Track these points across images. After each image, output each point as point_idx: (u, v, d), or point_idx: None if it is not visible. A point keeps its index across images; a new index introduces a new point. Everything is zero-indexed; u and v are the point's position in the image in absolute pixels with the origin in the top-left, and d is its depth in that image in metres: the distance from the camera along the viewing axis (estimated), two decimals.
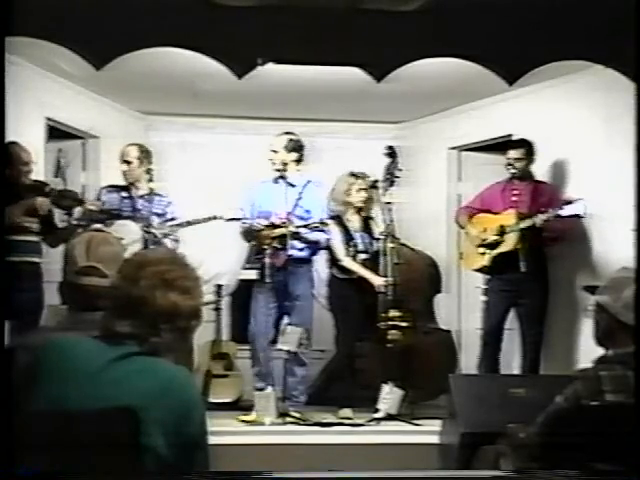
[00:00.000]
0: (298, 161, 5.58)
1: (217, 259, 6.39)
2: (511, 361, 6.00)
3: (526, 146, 5.71)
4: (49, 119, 6.00)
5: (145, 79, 5.99)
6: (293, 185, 5.50)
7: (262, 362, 5.52)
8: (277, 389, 5.42)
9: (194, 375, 5.42)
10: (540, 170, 5.84)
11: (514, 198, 5.70)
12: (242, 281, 6.29)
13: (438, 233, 6.87)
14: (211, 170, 6.98)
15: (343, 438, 4.93)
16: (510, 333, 5.86)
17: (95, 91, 6.43)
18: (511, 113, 6.35)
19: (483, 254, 5.71)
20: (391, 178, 5.55)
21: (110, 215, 5.37)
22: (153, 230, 5.34)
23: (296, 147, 5.55)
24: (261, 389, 5.41)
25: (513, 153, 5.71)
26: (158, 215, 5.47)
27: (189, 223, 5.47)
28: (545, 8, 4.14)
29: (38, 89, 5.74)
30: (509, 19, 4.22)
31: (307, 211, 5.52)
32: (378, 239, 5.63)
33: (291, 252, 5.40)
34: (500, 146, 6.21)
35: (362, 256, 5.72)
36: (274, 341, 5.47)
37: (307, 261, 5.58)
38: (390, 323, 5.39)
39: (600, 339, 2.80)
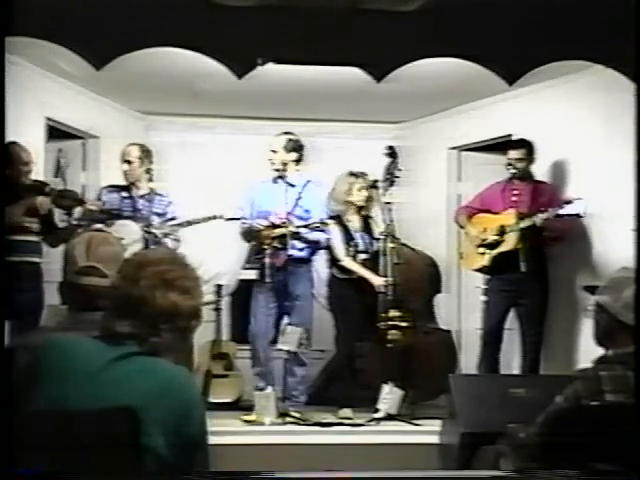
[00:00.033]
0: (297, 161, 5.58)
1: (217, 259, 6.39)
2: (511, 361, 6.00)
3: (526, 146, 5.71)
4: (49, 119, 6.00)
5: (145, 79, 5.99)
6: (293, 185, 5.50)
7: (263, 362, 5.53)
8: (277, 389, 5.42)
9: (194, 375, 5.42)
10: (540, 170, 5.84)
11: (514, 198, 5.70)
12: (242, 281, 6.30)
13: (438, 233, 6.86)
14: (211, 170, 6.98)
15: (343, 438, 4.93)
16: (510, 333, 5.86)
17: (95, 91, 6.43)
18: (511, 113, 6.35)
19: (483, 254, 5.71)
20: (391, 178, 5.55)
21: (110, 215, 5.38)
22: (154, 230, 5.34)
23: (295, 147, 5.56)
24: (261, 389, 5.41)
25: (514, 153, 5.71)
26: (158, 215, 5.48)
27: (189, 223, 5.47)
28: (545, 8, 4.14)
29: (38, 89, 5.74)
30: (509, 19, 4.22)
31: (307, 211, 5.53)
32: (378, 239, 5.63)
33: (291, 252, 5.40)
34: (500, 146, 6.21)
35: (362, 256, 5.71)
36: (274, 341, 5.47)
37: (307, 261, 5.59)
38: (390, 323, 5.39)
39: (600, 339, 2.80)
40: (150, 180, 5.54)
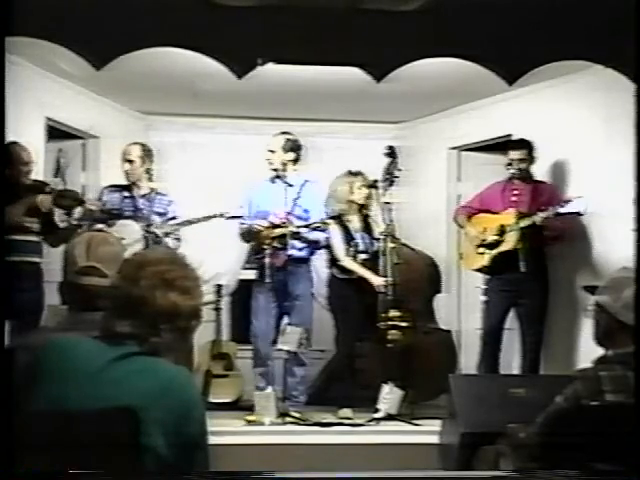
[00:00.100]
0: (295, 161, 5.58)
1: (217, 259, 6.38)
2: (511, 361, 6.00)
3: (527, 146, 5.71)
4: (49, 119, 6.00)
5: (145, 79, 5.99)
6: (291, 185, 5.50)
7: (264, 362, 5.53)
8: (277, 389, 5.42)
9: (194, 375, 5.42)
10: (540, 170, 5.84)
11: (514, 198, 5.69)
12: (242, 281, 6.30)
13: (438, 233, 6.86)
14: (211, 170, 6.98)
15: (343, 438, 4.93)
16: (510, 333, 5.86)
17: (95, 91, 6.44)
18: (511, 113, 6.35)
19: (483, 254, 5.70)
20: (391, 178, 5.54)
21: (111, 215, 5.38)
22: (154, 230, 5.34)
23: (294, 147, 5.56)
24: (261, 389, 5.41)
25: (514, 154, 5.70)
26: (159, 214, 5.48)
27: (190, 222, 5.47)
28: (545, 8, 4.13)
29: (38, 89, 5.74)
30: (509, 19, 4.22)
31: (305, 211, 5.53)
32: (378, 239, 5.62)
33: (291, 252, 5.40)
34: (500, 146, 6.21)
35: (362, 256, 5.71)
36: (275, 341, 5.47)
37: (306, 261, 5.59)
38: (390, 323, 5.39)
39: (600, 339, 2.80)
40: (150, 180, 5.55)
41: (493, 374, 5.52)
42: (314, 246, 5.58)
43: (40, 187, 5.03)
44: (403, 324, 5.40)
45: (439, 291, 6.14)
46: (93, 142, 6.69)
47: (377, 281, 5.53)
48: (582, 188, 5.54)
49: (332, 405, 5.64)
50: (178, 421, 2.07)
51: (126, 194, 5.55)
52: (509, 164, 5.71)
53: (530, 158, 5.71)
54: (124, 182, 5.58)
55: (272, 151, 5.55)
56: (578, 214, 5.36)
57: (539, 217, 5.41)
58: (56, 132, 6.17)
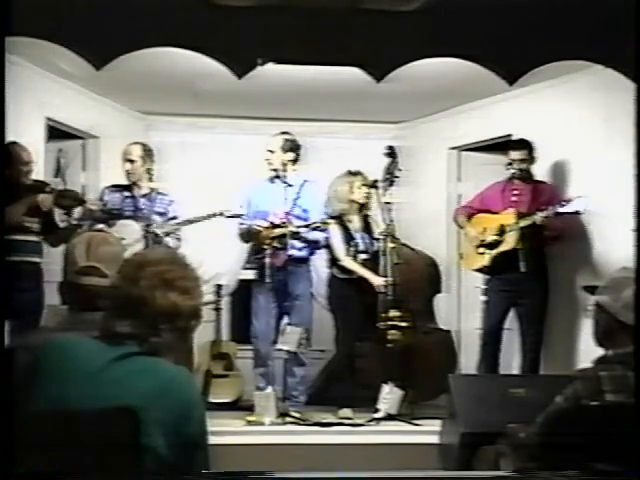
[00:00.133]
0: (295, 161, 5.59)
1: (217, 259, 6.39)
2: (511, 361, 6.00)
3: (528, 147, 5.71)
4: (49, 119, 6.00)
5: (145, 79, 5.99)
6: (290, 185, 5.50)
7: (265, 362, 5.53)
8: (277, 389, 5.42)
9: (194, 375, 5.42)
10: (540, 170, 5.84)
11: (514, 198, 5.70)
12: (242, 281, 6.30)
13: (438, 233, 6.86)
14: (211, 170, 6.98)
15: (343, 438, 4.93)
16: (510, 333, 5.86)
17: (95, 91, 6.44)
18: (511, 113, 6.35)
19: (483, 254, 5.71)
20: (391, 178, 5.55)
21: (111, 215, 5.38)
22: (155, 229, 5.34)
23: (293, 147, 5.57)
24: (261, 389, 5.41)
25: (515, 154, 5.70)
26: (160, 214, 5.48)
27: (190, 221, 5.47)
28: (545, 8, 4.13)
29: (38, 89, 5.75)
30: (509, 19, 4.22)
31: (305, 210, 5.54)
32: (378, 239, 5.62)
33: (291, 252, 5.40)
34: (500, 146, 6.21)
35: (362, 256, 5.71)
36: (276, 341, 5.47)
37: (306, 261, 5.59)
38: (390, 323, 5.39)
39: (600, 339, 2.80)
40: (150, 180, 5.55)
41: (493, 374, 5.52)
42: (314, 246, 5.58)
43: (40, 187, 5.03)
44: (403, 324, 5.40)
45: (439, 291, 6.14)
46: (93, 142, 6.69)
47: (377, 281, 5.53)
48: (582, 188, 5.54)
49: (332, 405, 5.64)
50: (178, 421, 2.07)
51: (127, 194, 5.55)
52: (509, 164, 5.71)
53: (530, 158, 5.71)
54: (125, 182, 5.58)
55: (271, 151, 5.56)
56: (578, 213, 5.36)
57: (539, 217, 5.41)
58: (56, 132, 6.18)
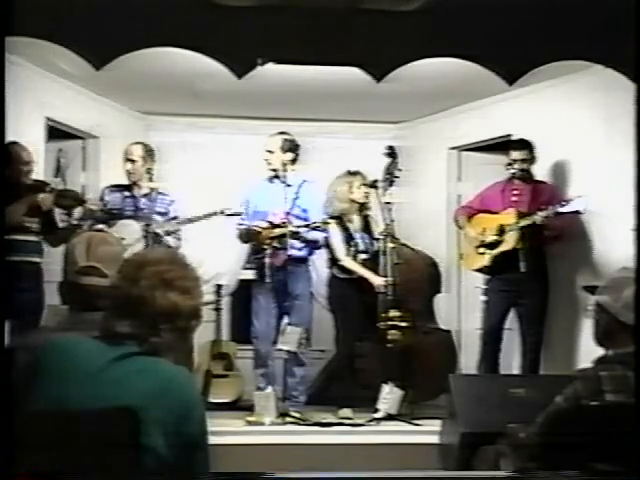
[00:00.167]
0: (294, 161, 5.59)
1: (217, 259, 6.39)
2: (511, 361, 5.99)
3: (528, 147, 5.71)
4: (49, 119, 6.01)
5: (145, 79, 5.99)
6: (289, 185, 5.50)
7: (265, 362, 5.53)
8: (277, 389, 5.42)
9: (194, 375, 5.42)
10: (540, 170, 5.84)
11: (514, 198, 5.70)
12: (242, 281, 6.30)
13: (438, 233, 6.86)
14: (211, 170, 6.98)
15: (343, 438, 4.93)
16: (510, 333, 5.86)
17: (95, 91, 6.44)
18: (511, 113, 6.35)
19: (483, 254, 5.71)
20: (391, 178, 5.55)
21: (112, 215, 5.38)
22: (155, 229, 5.34)
23: (292, 147, 5.57)
24: (261, 389, 5.41)
25: (516, 154, 5.70)
26: (161, 214, 5.48)
27: (190, 220, 5.47)
28: (545, 8, 4.13)
29: (38, 89, 5.75)
30: (509, 19, 4.22)
31: (304, 210, 5.54)
32: (378, 239, 5.63)
33: (290, 252, 5.40)
34: (500, 146, 6.21)
35: (362, 256, 5.71)
36: (276, 341, 5.47)
37: (306, 260, 5.60)
38: (390, 323, 5.39)
39: (600, 339, 2.80)
40: (151, 180, 5.55)
41: (493, 374, 5.52)
42: (313, 246, 5.58)
43: (40, 187, 5.03)
44: (403, 324, 5.40)
45: (439, 291, 6.14)
46: (93, 142, 6.70)
47: (377, 281, 5.53)
48: (582, 188, 5.54)
49: (332, 405, 5.64)
50: (178, 421, 2.07)
51: (127, 194, 5.56)
52: (510, 164, 5.71)
53: (531, 158, 5.71)
54: (125, 182, 5.58)
55: (270, 151, 5.56)
56: (578, 213, 5.36)
57: (539, 217, 5.41)
58: (56, 132, 6.18)
